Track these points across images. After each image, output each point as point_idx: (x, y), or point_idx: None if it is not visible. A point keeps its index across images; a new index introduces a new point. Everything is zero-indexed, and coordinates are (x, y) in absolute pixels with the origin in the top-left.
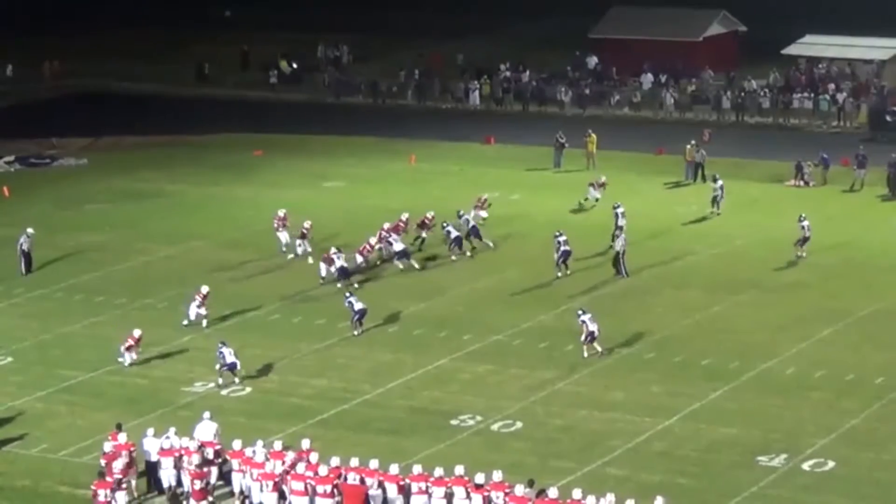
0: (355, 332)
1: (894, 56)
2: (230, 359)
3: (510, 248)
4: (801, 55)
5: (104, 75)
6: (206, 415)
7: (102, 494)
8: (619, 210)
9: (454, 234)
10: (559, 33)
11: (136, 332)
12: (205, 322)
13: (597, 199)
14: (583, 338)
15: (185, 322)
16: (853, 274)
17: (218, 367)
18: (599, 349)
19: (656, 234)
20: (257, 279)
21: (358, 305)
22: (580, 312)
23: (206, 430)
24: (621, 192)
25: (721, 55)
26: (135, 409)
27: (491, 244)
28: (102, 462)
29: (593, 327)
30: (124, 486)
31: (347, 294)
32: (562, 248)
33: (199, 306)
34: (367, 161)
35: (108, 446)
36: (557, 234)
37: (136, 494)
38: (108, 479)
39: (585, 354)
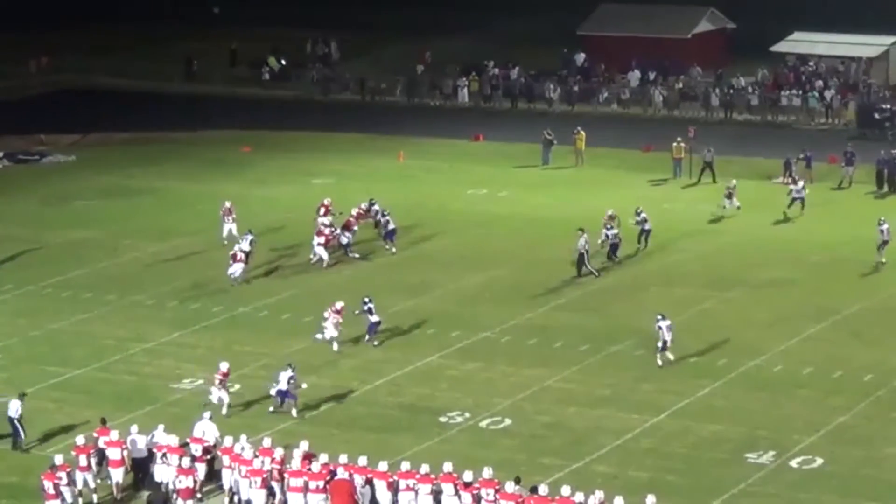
0: (375, 343)
1: (882, 53)
2: (283, 385)
3: (498, 245)
4: (790, 52)
5: (92, 71)
6: (207, 414)
7: (48, 486)
8: (643, 215)
9: (392, 225)
10: (548, 30)
11: (224, 366)
12: (335, 345)
13: (738, 207)
14: (659, 345)
15: (319, 336)
16: (841, 271)
17: (273, 391)
18: (671, 358)
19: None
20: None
21: (373, 318)
22: (659, 318)
23: (206, 429)
24: (610, 190)
25: (709, 52)
26: (123, 406)
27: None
28: (73, 453)
29: (668, 336)
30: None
31: (366, 300)
32: (611, 241)
33: (336, 324)
34: (355, 158)
35: (80, 439)
36: (608, 227)
37: (117, 491)
38: (61, 472)
39: (660, 363)
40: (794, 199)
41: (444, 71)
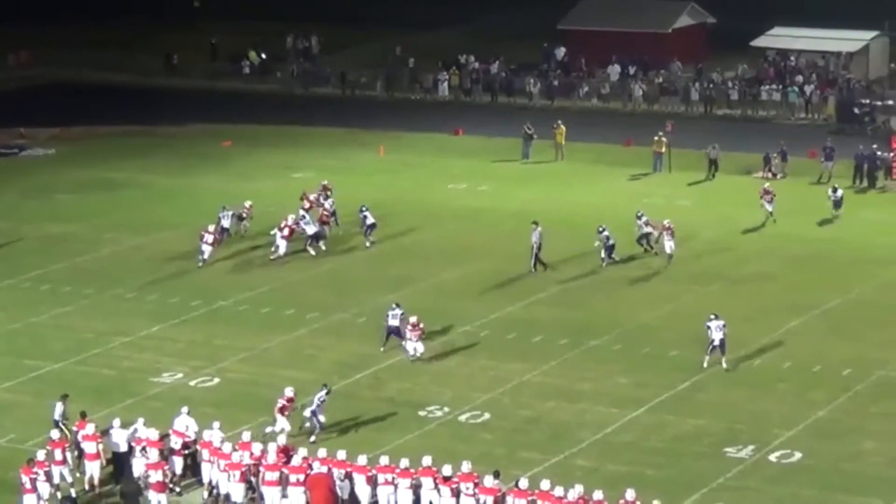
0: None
1: (862, 48)
2: (317, 411)
3: (478, 240)
4: (770, 47)
5: (72, 65)
6: (185, 409)
7: (26, 481)
8: (644, 219)
9: (370, 220)
10: (528, 24)
11: (289, 392)
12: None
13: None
14: (709, 347)
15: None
16: (820, 266)
17: (308, 413)
18: (725, 364)
19: (623, 226)
20: (225, 270)
21: (392, 322)
22: (711, 318)
23: (186, 423)
24: (590, 184)
25: (689, 47)
26: (103, 400)
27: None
28: (49, 448)
29: (718, 336)
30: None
31: (394, 306)
32: (610, 242)
33: (416, 340)
34: (335, 152)
35: (55, 433)
36: (600, 228)
37: (96, 484)
38: (38, 468)
39: (705, 364)
40: (835, 203)
41: (408, 64)
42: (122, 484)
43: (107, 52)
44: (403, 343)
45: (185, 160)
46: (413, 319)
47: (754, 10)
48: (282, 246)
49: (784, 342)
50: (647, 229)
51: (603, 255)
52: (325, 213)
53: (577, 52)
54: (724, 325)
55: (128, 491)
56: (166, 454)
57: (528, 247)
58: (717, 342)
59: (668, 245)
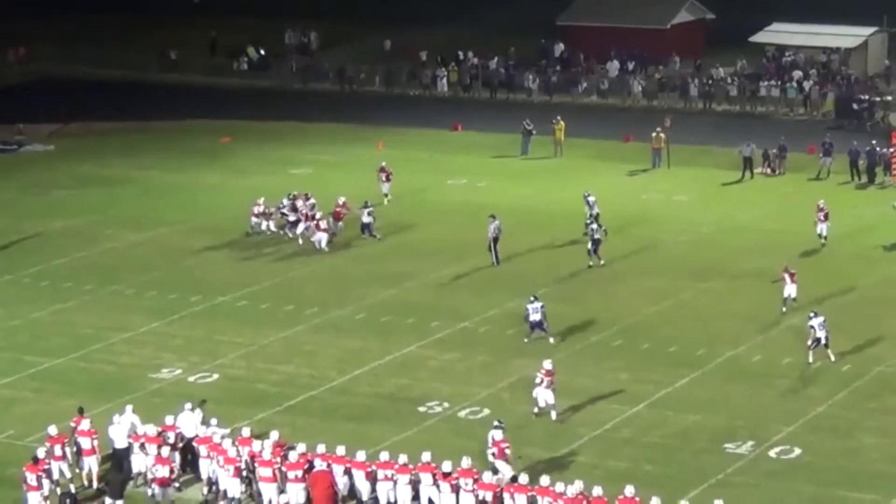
0: (525, 340)
1: (861, 44)
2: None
3: (478, 236)
4: (768, 43)
5: (70, 61)
6: (188, 405)
7: (32, 478)
8: (591, 199)
9: (366, 219)
10: (527, 20)
11: (548, 364)
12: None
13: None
14: (809, 342)
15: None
16: (819, 261)
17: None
18: (832, 357)
19: (623, 222)
20: (224, 265)
21: (534, 317)
22: (811, 315)
23: (187, 420)
24: (589, 180)
25: (688, 42)
26: (103, 396)
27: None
28: (47, 444)
29: (822, 334)
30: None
31: (533, 299)
32: (594, 236)
33: (548, 387)
34: (334, 148)
35: (52, 429)
36: (589, 221)
37: (94, 480)
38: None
39: (810, 360)
40: None
41: (407, 60)
42: (106, 475)
43: (105, 47)
44: (535, 392)
45: (183, 156)
46: (548, 366)
47: (753, 5)
48: (323, 240)
49: (783, 338)
50: (596, 210)
51: (590, 247)
52: (339, 208)
53: (575, 47)
54: (824, 321)
55: (112, 481)
56: (174, 449)
57: (532, 243)
58: (823, 339)
59: (789, 290)
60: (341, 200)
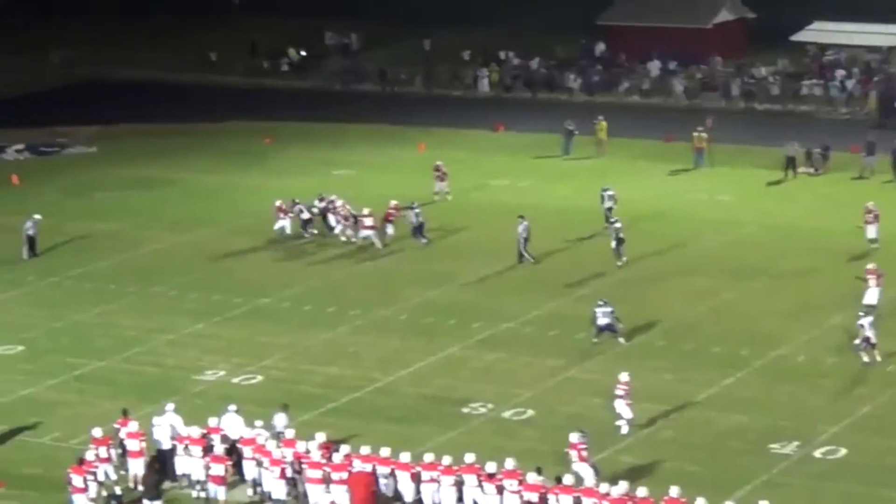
0: (595, 341)
1: None
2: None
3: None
4: (810, 42)
5: (113, 63)
6: (232, 407)
7: (77, 480)
8: (608, 192)
9: (416, 221)
10: (568, 20)
11: (624, 377)
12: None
13: None
14: (858, 341)
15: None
16: (864, 260)
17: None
18: (878, 358)
19: (665, 222)
20: (267, 267)
21: (602, 321)
22: (861, 314)
23: (232, 422)
24: (631, 180)
25: (730, 42)
26: (146, 398)
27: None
28: (92, 446)
29: (870, 333)
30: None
31: (601, 303)
32: (618, 235)
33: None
34: (375, 149)
35: (97, 431)
36: (613, 220)
37: (138, 482)
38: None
39: (865, 359)
40: None
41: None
42: (143, 474)
43: (147, 49)
44: (615, 403)
45: (224, 157)
46: (625, 378)
47: (795, 4)
48: (373, 235)
49: (828, 337)
50: (609, 203)
51: (613, 245)
52: (391, 210)
53: (617, 47)
54: (874, 321)
55: (147, 480)
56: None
57: (574, 243)
58: (873, 339)
59: (871, 294)
60: (392, 203)
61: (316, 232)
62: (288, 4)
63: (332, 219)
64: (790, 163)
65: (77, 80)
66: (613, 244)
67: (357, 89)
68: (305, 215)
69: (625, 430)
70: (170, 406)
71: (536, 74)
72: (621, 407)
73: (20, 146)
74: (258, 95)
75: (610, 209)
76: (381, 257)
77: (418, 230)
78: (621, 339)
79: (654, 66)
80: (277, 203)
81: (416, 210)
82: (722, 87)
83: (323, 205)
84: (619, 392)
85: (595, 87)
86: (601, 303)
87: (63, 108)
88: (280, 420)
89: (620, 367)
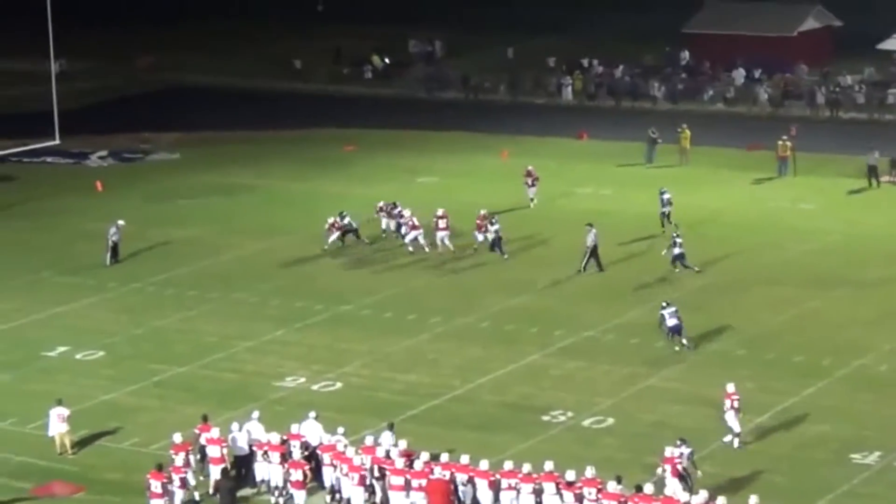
0: (677, 348)
1: None
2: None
3: (601, 244)
4: None
5: (196, 70)
6: (312, 414)
7: (155, 485)
8: (666, 196)
9: (494, 234)
10: (652, 28)
11: (730, 387)
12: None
13: None
14: None
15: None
16: None
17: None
18: None
19: (748, 230)
20: (348, 274)
21: (671, 322)
22: None
23: (311, 429)
24: (714, 188)
25: (815, 50)
26: (226, 404)
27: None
28: (171, 453)
29: None
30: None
31: (665, 304)
32: (676, 250)
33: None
34: (458, 156)
35: (177, 437)
36: (675, 235)
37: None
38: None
39: None
40: None
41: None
42: (217, 480)
43: (230, 56)
44: (726, 416)
45: (307, 164)
46: (731, 388)
47: (881, 12)
48: (446, 240)
49: None
50: (679, 250)
51: (669, 253)
52: (481, 220)
53: (701, 55)
54: None
55: (222, 487)
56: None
57: (657, 251)
58: None
59: None
60: (482, 212)
61: (368, 241)
62: (372, 12)
63: (402, 228)
64: (872, 172)
65: (161, 86)
66: (676, 251)
67: (441, 97)
68: (354, 224)
69: (735, 443)
70: (255, 413)
71: (620, 82)
72: (732, 420)
73: (104, 153)
74: (341, 102)
75: (667, 215)
76: (462, 265)
77: (496, 243)
78: (684, 341)
79: (739, 75)
80: (330, 220)
81: (496, 226)
82: (807, 95)
83: (383, 214)
84: (733, 405)
85: (679, 96)
86: (665, 304)
87: (147, 114)
88: (386, 438)
89: (700, 376)
